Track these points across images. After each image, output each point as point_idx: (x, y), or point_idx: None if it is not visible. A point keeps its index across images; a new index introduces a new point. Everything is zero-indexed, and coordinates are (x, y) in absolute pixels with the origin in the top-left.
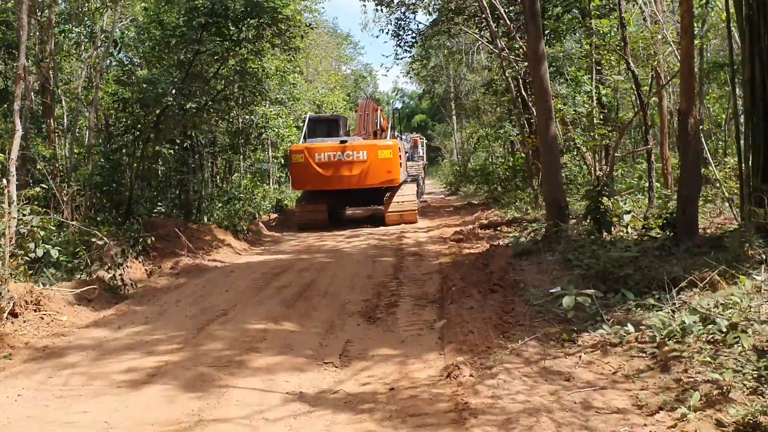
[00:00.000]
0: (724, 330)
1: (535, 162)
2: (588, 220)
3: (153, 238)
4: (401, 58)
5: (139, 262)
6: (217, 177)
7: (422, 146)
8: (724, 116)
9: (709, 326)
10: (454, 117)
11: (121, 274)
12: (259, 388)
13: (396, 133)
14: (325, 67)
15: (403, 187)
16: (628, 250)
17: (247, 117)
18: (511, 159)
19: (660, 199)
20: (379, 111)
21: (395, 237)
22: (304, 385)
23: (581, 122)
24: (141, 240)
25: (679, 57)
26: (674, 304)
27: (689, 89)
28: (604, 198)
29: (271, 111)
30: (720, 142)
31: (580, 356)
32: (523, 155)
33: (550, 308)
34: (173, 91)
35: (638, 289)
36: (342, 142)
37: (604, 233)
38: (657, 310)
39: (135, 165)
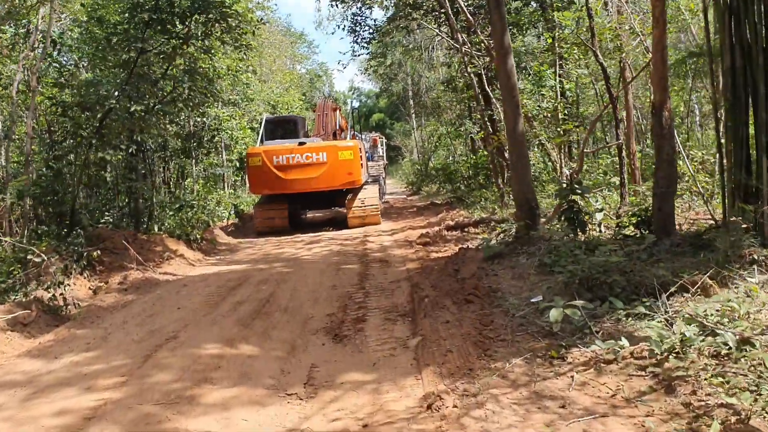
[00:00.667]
0: (732, 344)
1: (499, 160)
2: (561, 220)
3: (99, 252)
4: (358, 55)
5: (84, 278)
6: (170, 183)
7: (382, 145)
8: (682, 109)
9: (710, 338)
10: (413, 115)
11: (62, 294)
12: (213, 431)
13: (355, 133)
14: (279, 66)
15: (365, 189)
16: (613, 253)
17: (199, 119)
18: (473, 157)
19: (632, 196)
20: (338, 111)
21: (358, 241)
22: (265, 424)
23: (545, 118)
24: (85, 254)
25: (648, 48)
26: (666, 311)
27: (662, 81)
28: (577, 196)
29: (223, 113)
30: (683, 135)
31: (572, 376)
32: (485, 153)
33: (532, 320)
34: (116, 94)
35: (625, 296)
36: (300, 143)
37: (579, 233)
38: (649, 320)
39: (78, 173)
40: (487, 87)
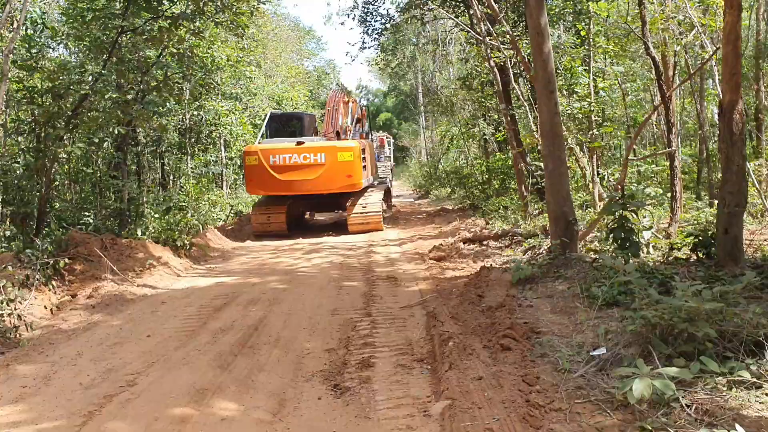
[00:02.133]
0: None
1: (523, 165)
2: (609, 240)
3: (67, 260)
4: (368, 47)
5: (50, 291)
6: (164, 182)
7: (389, 146)
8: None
9: None
10: (422, 114)
11: (10, 313)
12: None
13: (367, 131)
14: (285, 60)
15: (369, 193)
16: (698, 294)
17: (196, 113)
18: (487, 160)
19: (686, 211)
20: (351, 103)
21: (363, 252)
22: None
23: (578, 120)
24: (51, 262)
25: (705, 41)
26: None
27: (735, 77)
28: (628, 213)
29: (222, 107)
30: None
31: None
32: (501, 156)
33: (594, 381)
34: (91, 79)
35: (716, 351)
36: (298, 143)
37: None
38: (756, 388)
39: (46, 169)
40: (514, 82)
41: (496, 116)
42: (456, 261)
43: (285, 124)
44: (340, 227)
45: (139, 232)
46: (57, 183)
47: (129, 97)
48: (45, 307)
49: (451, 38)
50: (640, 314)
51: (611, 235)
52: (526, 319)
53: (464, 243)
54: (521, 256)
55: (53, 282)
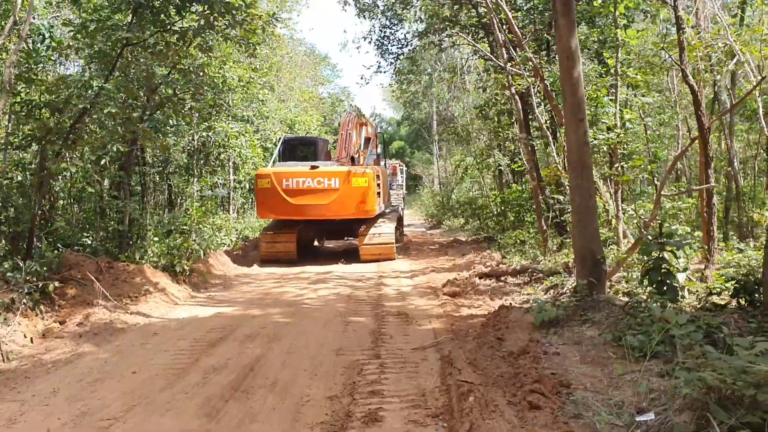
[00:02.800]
0: None
1: (543, 197)
2: (644, 282)
3: (57, 283)
4: (384, 71)
5: (37, 316)
6: (171, 203)
7: (402, 174)
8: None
9: None
10: (436, 143)
11: None
12: None
13: (378, 155)
14: (299, 85)
15: (382, 221)
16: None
17: (206, 134)
18: (501, 192)
19: (728, 251)
20: (365, 126)
21: (372, 284)
22: None
23: (602, 152)
24: (40, 285)
25: (748, 69)
26: None
27: None
28: (666, 253)
29: (232, 128)
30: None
31: None
32: (518, 188)
33: None
34: (90, 93)
35: None
36: (313, 167)
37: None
38: None
39: (40, 186)
40: (536, 109)
41: (512, 147)
42: (472, 297)
43: (298, 148)
44: (350, 255)
45: (137, 256)
46: (61, 202)
47: (135, 114)
48: (37, 332)
49: (468, 66)
50: (695, 375)
51: (647, 277)
52: (553, 369)
53: (480, 278)
54: (542, 295)
55: (41, 306)
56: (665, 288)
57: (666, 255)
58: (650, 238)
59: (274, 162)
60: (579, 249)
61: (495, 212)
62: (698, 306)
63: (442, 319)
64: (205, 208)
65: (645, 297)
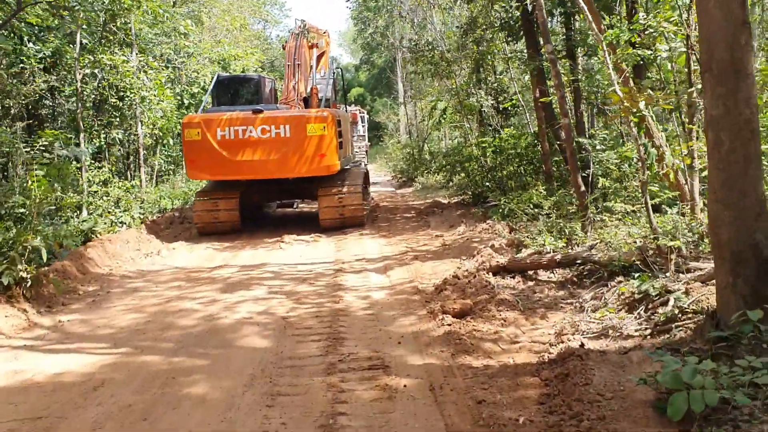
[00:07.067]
0: None
1: (559, 145)
2: None
3: None
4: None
5: None
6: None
7: (363, 122)
8: None
9: None
10: (401, 84)
11: None
12: None
13: (336, 101)
14: (240, 22)
15: (346, 176)
16: None
17: (88, 71)
18: (494, 138)
19: None
20: (315, 47)
21: (325, 285)
22: None
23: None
24: None
25: None
26: None
27: None
28: None
29: (124, 60)
30: None
31: None
32: (513, 133)
33: None
34: None
35: None
36: (255, 111)
37: None
38: None
39: None
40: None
41: (496, 83)
42: (492, 319)
43: (236, 89)
44: (306, 222)
45: None
46: None
47: None
48: None
49: None
50: None
51: None
52: None
53: (495, 274)
54: (626, 317)
55: None
56: None
57: None
58: None
59: (204, 108)
60: (725, 236)
61: (489, 165)
62: None
63: (451, 378)
64: (52, 178)
65: None
